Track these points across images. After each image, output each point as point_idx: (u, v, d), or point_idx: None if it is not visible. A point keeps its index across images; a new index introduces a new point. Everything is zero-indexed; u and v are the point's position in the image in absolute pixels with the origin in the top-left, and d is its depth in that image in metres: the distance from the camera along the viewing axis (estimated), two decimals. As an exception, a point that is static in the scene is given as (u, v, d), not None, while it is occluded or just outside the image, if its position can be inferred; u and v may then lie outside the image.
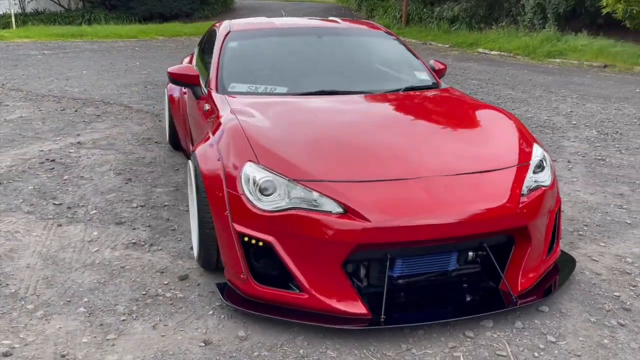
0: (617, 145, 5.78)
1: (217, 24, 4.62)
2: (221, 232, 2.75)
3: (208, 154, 2.93)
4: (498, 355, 2.42)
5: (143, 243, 3.44)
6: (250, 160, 2.71)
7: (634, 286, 3.00)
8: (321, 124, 3.09)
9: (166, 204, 4.08)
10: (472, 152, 2.93)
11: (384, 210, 2.50)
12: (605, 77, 10.33)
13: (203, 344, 2.48)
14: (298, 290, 2.58)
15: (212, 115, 3.32)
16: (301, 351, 2.44)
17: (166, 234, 3.59)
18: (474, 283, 2.83)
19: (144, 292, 2.89)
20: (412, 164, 2.76)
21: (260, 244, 2.61)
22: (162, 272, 3.10)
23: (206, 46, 4.73)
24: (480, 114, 3.32)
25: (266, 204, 2.59)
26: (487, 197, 2.65)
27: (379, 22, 18.92)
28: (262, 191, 2.61)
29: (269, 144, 2.81)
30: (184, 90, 4.61)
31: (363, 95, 3.56)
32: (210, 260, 2.95)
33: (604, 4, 11.55)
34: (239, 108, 3.19)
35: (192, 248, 3.35)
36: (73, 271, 3.09)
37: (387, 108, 3.37)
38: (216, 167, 2.82)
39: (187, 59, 5.46)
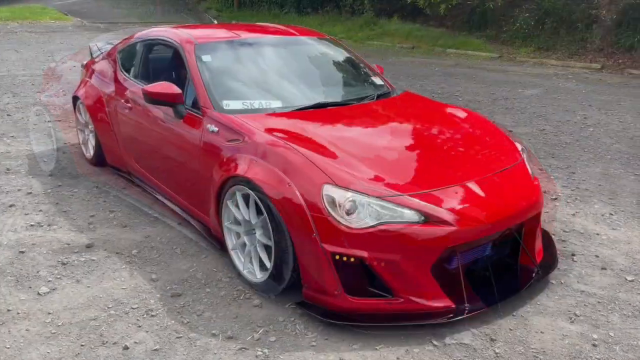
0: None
1: (158, 31, 4.36)
2: (307, 254, 2.84)
3: (271, 180, 2.94)
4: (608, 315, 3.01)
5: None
6: (326, 183, 2.83)
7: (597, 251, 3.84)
8: (364, 139, 3.28)
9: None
10: (484, 152, 3.41)
11: (462, 214, 2.86)
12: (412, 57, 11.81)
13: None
14: (391, 297, 2.83)
15: (234, 138, 3.26)
16: (429, 347, 2.73)
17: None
18: (496, 264, 3.34)
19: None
20: (452, 170, 3.12)
21: (352, 259, 2.79)
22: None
23: (148, 58, 4.44)
24: (461, 116, 3.83)
25: (354, 222, 2.77)
26: (523, 191, 3.17)
27: (209, 5, 19.02)
28: (347, 211, 2.78)
29: (334, 164, 2.95)
30: (127, 103, 4.29)
31: (358, 104, 3.78)
32: (281, 282, 3.01)
33: (409, -7, 13.11)
34: (271, 128, 3.23)
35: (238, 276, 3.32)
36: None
37: (394, 117, 3.65)
38: (289, 192, 2.87)
39: (101, 63, 4.95)
